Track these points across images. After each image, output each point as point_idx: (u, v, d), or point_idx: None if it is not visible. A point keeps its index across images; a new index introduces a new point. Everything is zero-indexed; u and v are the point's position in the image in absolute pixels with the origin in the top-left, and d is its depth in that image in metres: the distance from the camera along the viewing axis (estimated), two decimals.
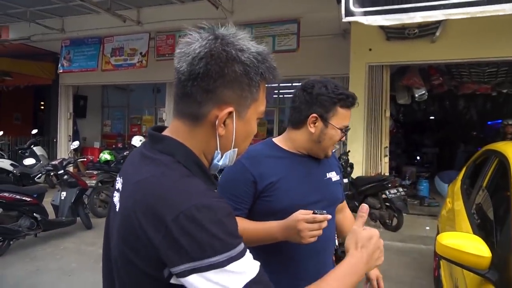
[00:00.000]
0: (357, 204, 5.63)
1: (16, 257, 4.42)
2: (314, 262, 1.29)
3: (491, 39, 5.53)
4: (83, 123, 11.16)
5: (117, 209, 0.79)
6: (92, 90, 11.13)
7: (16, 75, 9.81)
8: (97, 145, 10.95)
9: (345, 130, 1.33)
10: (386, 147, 6.38)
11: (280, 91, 9.34)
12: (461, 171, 3.67)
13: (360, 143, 6.29)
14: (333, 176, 1.43)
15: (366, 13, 3.84)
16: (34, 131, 9.25)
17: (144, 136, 8.26)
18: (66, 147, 9.98)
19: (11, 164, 7.88)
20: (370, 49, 6.24)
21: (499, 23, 5.04)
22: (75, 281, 3.85)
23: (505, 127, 6.20)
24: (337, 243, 3.11)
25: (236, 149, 0.83)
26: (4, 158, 8.22)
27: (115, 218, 0.78)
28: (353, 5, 3.84)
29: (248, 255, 0.69)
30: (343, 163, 5.50)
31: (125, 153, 7.08)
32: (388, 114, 6.39)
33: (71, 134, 10.25)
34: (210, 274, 0.64)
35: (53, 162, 5.78)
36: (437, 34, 5.61)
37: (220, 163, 0.82)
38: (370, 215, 5.50)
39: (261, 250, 1.16)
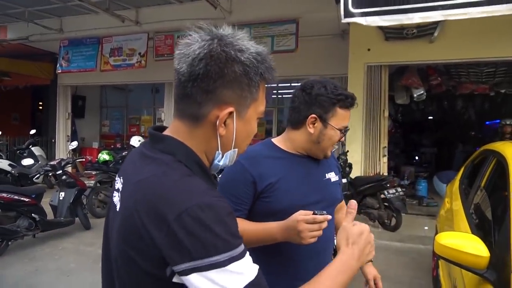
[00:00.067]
0: None
1: (14, 257, 4.41)
2: (314, 262, 1.28)
3: (490, 39, 5.54)
4: (81, 123, 11.15)
5: (117, 209, 0.79)
6: (91, 90, 11.11)
7: (15, 75, 9.79)
8: (95, 145, 10.95)
9: (344, 130, 1.33)
10: (385, 147, 6.39)
11: (279, 91, 9.35)
12: (460, 171, 3.67)
13: (358, 143, 6.30)
14: (332, 176, 1.43)
15: (365, 14, 3.85)
16: (33, 131, 9.22)
17: (142, 137, 8.26)
18: (64, 147, 9.96)
19: (9, 165, 7.87)
20: (368, 49, 6.25)
21: (498, 23, 5.05)
22: (74, 281, 3.84)
23: (503, 127, 6.22)
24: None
25: (237, 149, 0.83)
26: (2, 158, 8.20)
27: (115, 218, 0.78)
28: (352, 6, 3.85)
29: (248, 256, 0.69)
30: (341, 163, 5.50)
31: (123, 153, 7.06)
32: (386, 114, 6.41)
33: (69, 134, 10.25)
34: (211, 273, 0.64)
35: (51, 163, 5.78)
36: (436, 34, 5.63)
37: (221, 163, 0.83)
38: (368, 215, 5.52)
39: (261, 251, 1.17)
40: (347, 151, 6.04)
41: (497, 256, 1.57)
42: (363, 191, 5.57)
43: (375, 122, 6.34)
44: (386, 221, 5.46)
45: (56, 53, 8.92)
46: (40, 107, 12.73)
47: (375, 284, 1.43)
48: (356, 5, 3.86)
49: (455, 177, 3.67)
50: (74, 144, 8.43)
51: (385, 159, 6.40)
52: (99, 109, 11.71)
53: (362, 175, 6.19)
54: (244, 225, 1.17)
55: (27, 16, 7.74)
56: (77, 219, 5.37)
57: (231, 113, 0.77)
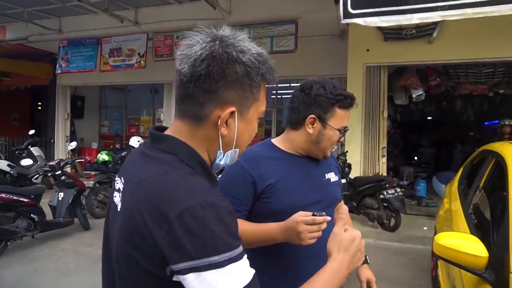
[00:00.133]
0: (355, 205, 5.65)
1: (13, 258, 4.41)
2: (314, 263, 1.27)
3: (488, 40, 5.56)
4: (80, 124, 11.13)
5: (118, 209, 0.79)
6: (90, 90, 11.09)
7: (14, 75, 9.77)
8: (94, 145, 10.93)
9: (343, 131, 1.33)
10: (384, 147, 6.39)
11: (278, 91, 9.35)
12: (458, 172, 3.68)
13: (357, 143, 6.30)
14: (332, 176, 1.43)
15: (364, 15, 3.85)
16: (32, 132, 9.22)
17: (142, 137, 8.25)
18: (63, 147, 9.95)
19: (8, 165, 7.86)
20: (367, 50, 6.25)
21: (496, 23, 5.06)
22: (73, 282, 3.84)
23: (502, 127, 6.22)
24: None
25: (238, 149, 0.84)
26: (1, 158, 8.19)
27: (116, 218, 0.78)
28: (351, 7, 3.85)
29: (245, 259, 0.69)
30: (341, 164, 5.51)
31: (123, 154, 7.05)
32: (385, 114, 6.41)
33: (68, 135, 10.23)
34: (208, 274, 0.64)
35: (50, 163, 5.77)
36: (434, 35, 5.64)
37: (222, 162, 0.83)
38: (368, 215, 5.53)
39: (260, 252, 1.17)
40: (346, 151, 6.05)
41: (496, 256, 1.57)
42: (362, 192, 5.58)
43: (374, 123, 6.34)
44: (385, 221, 5.47)
45: (55, 54, 8.90)
46: (39, 108, 12.71)
47: (369, 287, 1.43)
48: (355, 5, 3.86)
49: (454, 178, 3.67)
50: (73, 144, 8.44)
51: (384, 160, 6.41)
52: (98, 110, 11.69)
53: (361, 175, 6.20)
54: (244, 226, 1.17)
55: (26, 16, 7.72)
56: (76, 219, 5.36)
57: (232, 113, 0.77)
